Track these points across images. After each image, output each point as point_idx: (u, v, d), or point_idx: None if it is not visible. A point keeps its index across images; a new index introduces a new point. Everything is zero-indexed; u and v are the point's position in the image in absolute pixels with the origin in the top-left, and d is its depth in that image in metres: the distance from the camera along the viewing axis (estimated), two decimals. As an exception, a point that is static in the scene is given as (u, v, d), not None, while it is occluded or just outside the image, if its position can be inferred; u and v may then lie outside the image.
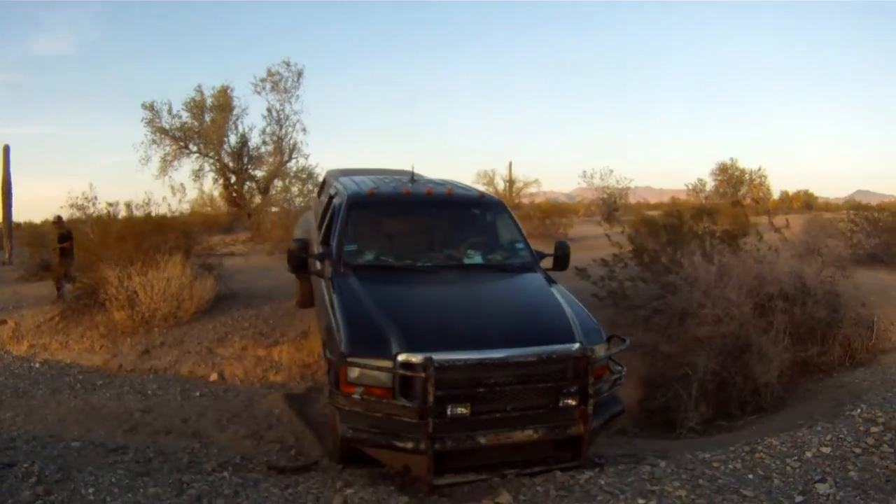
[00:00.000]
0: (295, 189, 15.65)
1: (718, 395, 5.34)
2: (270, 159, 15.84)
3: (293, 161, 16.03)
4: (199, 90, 15.18)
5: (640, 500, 3.15)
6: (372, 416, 3.27)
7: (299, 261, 4.36)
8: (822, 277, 5.99)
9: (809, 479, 3.31)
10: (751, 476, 3.41)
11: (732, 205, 20.10)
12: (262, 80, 15.31)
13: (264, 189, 15.78)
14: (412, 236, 4.76)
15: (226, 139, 15.21)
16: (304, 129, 15.68)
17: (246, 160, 15.89)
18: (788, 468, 3.48)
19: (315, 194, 7.58)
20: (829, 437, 3.78)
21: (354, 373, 3.28)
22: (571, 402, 3.42)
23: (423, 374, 3.11)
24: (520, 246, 4.74)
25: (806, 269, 6.06)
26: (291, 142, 15.83)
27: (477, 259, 4.57)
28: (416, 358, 3.20)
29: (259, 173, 16.00)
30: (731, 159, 26.11)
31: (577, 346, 3.46)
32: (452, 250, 4.65)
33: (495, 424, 3.29)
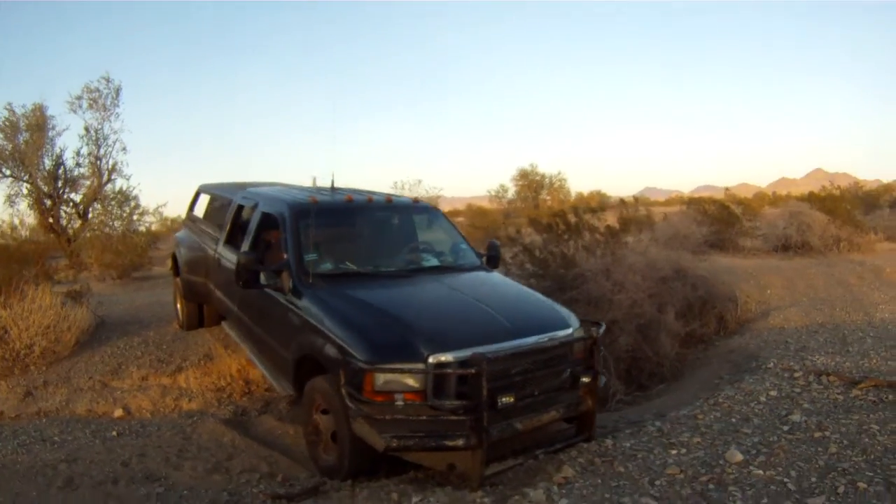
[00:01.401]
0: (116, 212, 15.17)
1: (631, 370, 6.19)
2: (87, 182, 15.32)
3: (112, 182, 15.38)
4: (10, 108, 14.48)
5: (672, 451, 3.57)
6: (413, 421, 3.29)
7: (252, 274, 4.28)
8: (690, 262, 7.43)
9: (780, 414, 4.10)
10: (734, 420, 4.08)
11: (535, 208, 22.58)
12: (78, 98, 14.64)
13: (83, 213, 15.31)
14: (362, 243, 4.95)
15: (40, 161, 14.65)
16: (124, 149, 15.33)
17: (61, 183, 15.33)
18: (756, 410, 4.25)
19: (187, 211, 7.55)
20: (768, 385, 4.72)
21: (381, 380, 3.30)
22: (585, 379, 3.79)
23: (472, 371, 3.21)
24: (464, 247, 5.15)
25: (678, 256, 7.47)
26: (111, 162, 15.27)
27: (434, 262, 4.87)
28: (449, 356, 3.30)
29: (76, 196, 15.49)
30: (531, 164, 28.60)
31: (578, 329, 3.89)
32: (407, 255, 4.96)
33: (527, 410, 3.53)
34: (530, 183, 28.09)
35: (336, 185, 5.49)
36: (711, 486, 3.09)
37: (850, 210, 13.22)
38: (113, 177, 15.19)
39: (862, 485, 2.99)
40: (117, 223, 14.78)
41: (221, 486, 3.68)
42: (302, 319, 3.96)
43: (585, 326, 4.07)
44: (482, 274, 4.82)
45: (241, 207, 5.67)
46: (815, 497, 2.91)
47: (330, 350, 3.58)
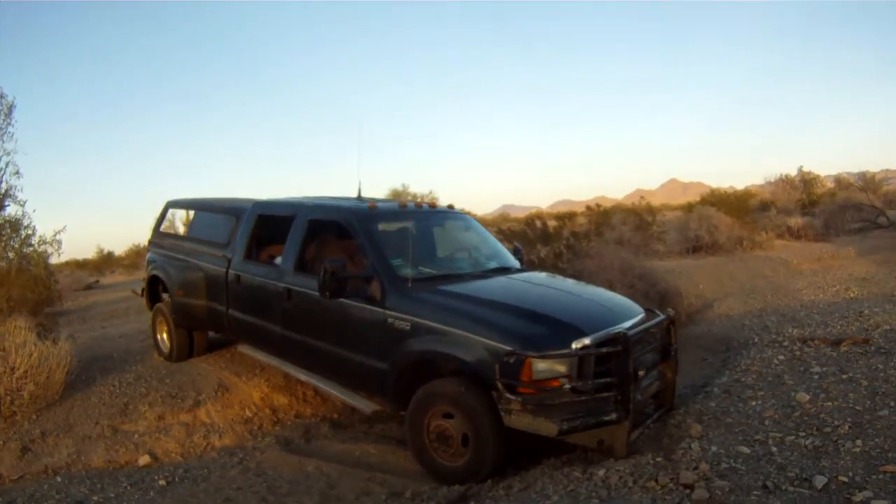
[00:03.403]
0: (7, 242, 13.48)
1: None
2: (-28, 210, 13.50)
3: (4, 209, 14.04)
4: None
5: (752, 403, 4.86)
6: (573, 403, 4.00)
7: (340, 284, 4.68)
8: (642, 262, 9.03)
9: (802, 370, 5.57)
10: (770, 378, 5.47)
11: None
12: (-38, 116, 13.02)
13: (-27, 243, 13.36)
14: (421, 248, 5.56)
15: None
16: (17, 172, 13.96)
17: (-58, 211, 13.41)
18: (780, 369, 5.69)
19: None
20: (770, 353, 6.22)
21: (540, 367, 3.96)
22: (670, 353, 4.90)
23: (619, 349, 4.05)
24: (503, 250, 6.14)
25: (633, 257, 9.03)
26: (3, 187, 14.05)
27: (493, 263, 5.73)
28: (587, 341, 4.11)
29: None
30: (403, 185, 29.86)
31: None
32: (464, 258, 5.80)
33: (642, 383, 4.46)
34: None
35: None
36: (805, 417, 4.40)
37: (748, 212, 16.18)
38: (6, 203, 14.08)
39: (894, 394, 4.47)
40: (11, 254, 13.86)
41: None
42: (412, 324, 4.44)
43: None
44: (539, 273, 5.82)
45: (263, 218, 6.05)
46: (881, 410, 4.32)
47: (468, 348, 4.14)
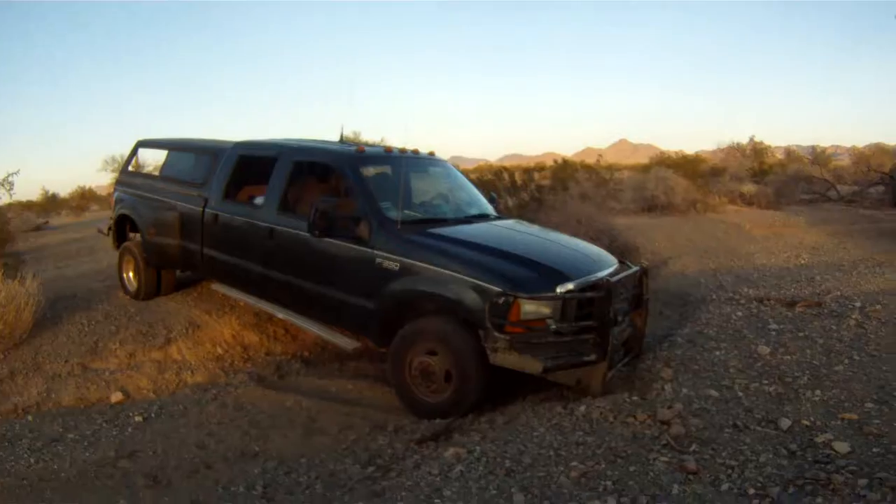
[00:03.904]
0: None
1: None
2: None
3: None
4: None
5: (716, 353, 5.21)
6: (556, 344, 4.31)
7: (329, 223, 4.87)
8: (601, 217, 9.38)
9: (759, 326, 5.99)
10: (731, 332, 5.87)
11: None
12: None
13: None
14: (408, 192, 5.76)
15: None
16: None
17: None
18: (739, 325, 6.09)
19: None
20: (728, 309, 6.63)
21: (527, 309, 4.24)
22: (642, 302, 5.21)
23: (601, 294, 4.34)
24: (482, 197, 6.37)
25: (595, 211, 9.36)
26: None
27: (475, 210, 5.98)
28: (571, 286, 4.44)
29: None
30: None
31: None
32: (447, 204, 6.00)
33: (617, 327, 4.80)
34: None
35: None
36: (767, 367, 4.78)
37: (701, 176, 16.74)
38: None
39: (857, 357, 4.90)
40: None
41: (334, 448, 4.22)
42: (401, 265, 4.67)
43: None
44: (517, 221, 6.12)
45: (244, 159, 6.13)
46: (837, 366, 4.74)
47: (458, 289, 4.40)
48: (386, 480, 3.45)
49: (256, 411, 4.76)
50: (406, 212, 5.24)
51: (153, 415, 4.77)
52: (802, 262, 10.03)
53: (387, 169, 5.74)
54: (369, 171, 5.39)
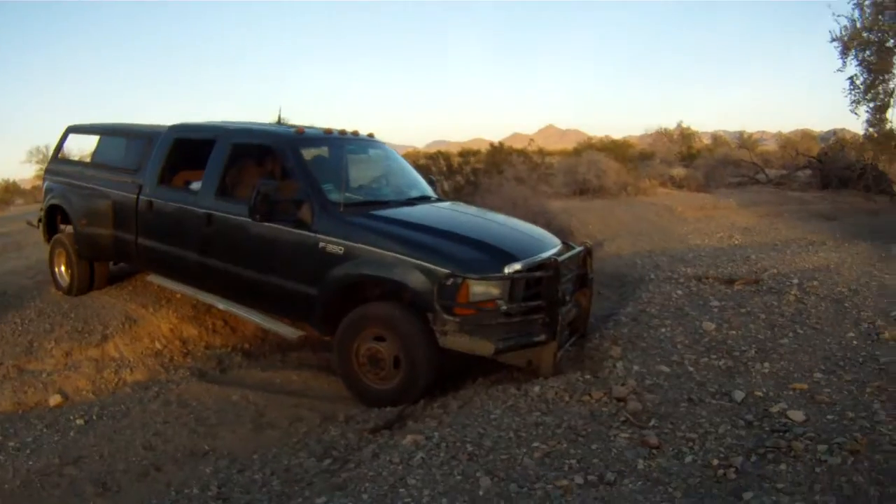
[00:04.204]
0: None
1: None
2: None
3: None
4: None
5: (662, 330, 5.31)
6: (507, 325, 4.28)
7: (271, 207, 4.74)
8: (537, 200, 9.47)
9: (701, 304, 6.13)
10: (672, 309, 5.99)
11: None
12: None
13: None
14: (346, 175, 5.62)
15: None
16: None
17: None
18: (681, 303, 6.23)
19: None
20: (668, 288, 6.76)
21: (477, 290, 4.22)
22: (587, 282, 5.26)
23: (549, 274, 4.34)
24: (422, 179, 6.31)
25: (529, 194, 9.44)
26: None
27: (415, 192, 5.91)
28: (518, 266, 4.42)
29: None
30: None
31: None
32: (387, 186, 5.96)
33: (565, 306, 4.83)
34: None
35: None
36: (713, 343, 4.88)
37: (631, 160, 17.16)
38: None
39: (800, 331, 5.08)
40: None
41: (285, 442, 4.09)
42: (346, 249, 4.55)
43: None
44: (458, 203, 6.11)
45: (180, 142, 5.92)
46: (782, 339, 4.89)
47: (406, 271, 4.31)
48: (345, 472, 3.31)
49: (202, 408, 4.57)
50: (347, 194, 5.12)
51: (95, 417, 4.52)
52: (736, 242, 10.41)
53: (327, 151, 5.62)
54: (310, 153, 5.27)
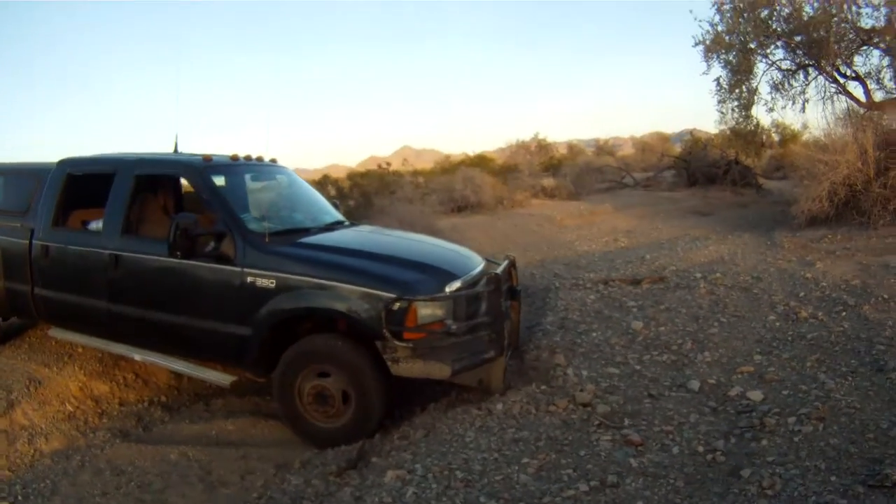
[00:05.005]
0: None
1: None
2: None
3: None
4: None
5: (593, 334, 5.66)
6: (456, 345, 4.35)
7: (190, 242, 4.56)
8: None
9: (618, 305, 6.59)
10: (593, 313, 6.38)
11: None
12: None
13: None
14: (257, 203, 5.59)
15: None
16: None
17: None
18: (598, 306, 6.65)
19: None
20: (580, 294, 7.17)
21: (424, 312, 4.26)
22: (516, 294, 5.54)
23: (490, 288, 4.49)
24: (329, 204, 6.37)
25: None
26: None
27: (330, 217, 5.92)
28: (458, 283, 4.54)
29: None
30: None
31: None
32: (298, 212, 5.88)
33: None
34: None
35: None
36: (648, 340, 5.27)
37: (501, 173, 17.95)
38: None
39: (724, 320, 5.60)
40: None
41: (244, 499, 3.93)
42: (277, 281, 4.45)
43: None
44: (376, 227, 6.16)
45: (73, 178, 5.62)
46: (711, 329, 5.37)
47: (347, 300, 4.28)
48: None
49: (140, 472, 4.27)
50: (263, 224, 5.00)
51: (20, 497, 4.09)
52: (622, 244, 11.19)
53: (238, 178, 5.51)
54: (221, 181, 5.12)
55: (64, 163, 5.71)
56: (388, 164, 19.68)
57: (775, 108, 13.74)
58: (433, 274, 4.57)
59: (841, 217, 9.19)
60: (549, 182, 18.62)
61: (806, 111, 13.35)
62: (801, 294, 6.02)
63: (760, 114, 14.05)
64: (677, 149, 22.60)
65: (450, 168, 20.63)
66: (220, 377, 4.82)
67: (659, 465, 3.32)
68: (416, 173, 19.33)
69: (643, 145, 25.67)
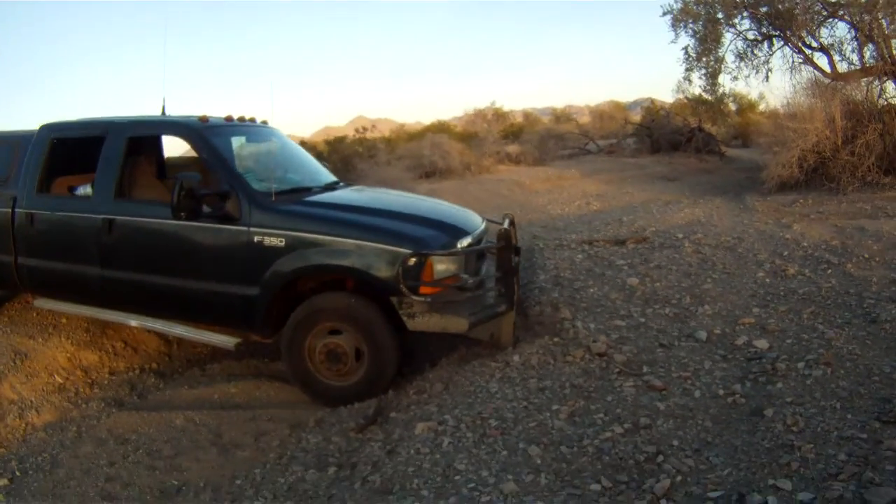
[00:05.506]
0: None
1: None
2: None
3: None
4: None
5: (590, 290, 5.85)
6: (470, 299, 4.51)
7: (195, 202, 4.54)
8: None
9: (607, 263, 6.80)
10: (585, 272, 6.59)
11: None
12: None
13: None
14: (255, 163, 5.66)
15: None
16: None
17: None
18: (587, 265, 6.87)
19: None
20: (568, 253, 7.36)
21: (440, 267, 4.42)
22: (516, 251, 5.70)
23: (501, 244, 4.57)
24: (321, 166, 6.46)
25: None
26: None
27: (325, 178, 5.99)
28: (468, 240, 4.75)
29: None
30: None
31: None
32: (296, 173, 5.95)
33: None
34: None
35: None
36: (647, 295, 5.50)
37: (465, 140, 18.05)
38: None
39: (716, 276, 5.86)
40: None
41: (263, 459, 3.93)
42: (288, 239, 4.48)
43: None
44: (372, 187, 6.23)
45: (59, 143, 5.55)
46: (705, 284, 5.63)
47: (362, 256, 4.35)
48: (374, 475, 3.31)
49: (147, 440, 4.23)
50: (264, 183, 4.99)
51: (18, 472, 4.00)
52: (595, 208, 11.47)
53: (235, 139, 5.49)
54: (221, 141, 5.10)
55: (48, 127, 5.61)
56: (365, 129, 19.57)
57: (739, 76, 14.15)
58: (445, 230, 4.71)
59: (810, 183, 9.63)
60: (514, 148, 18.78)
61: (769, 81, 13.76)
62: (785, 253, 6.33)
63: (725, 82, 14.35)
64: (635, 117, 23.02)
65: (415, 135, 20.64)
66: (224, 340, 4.83)
67: (685, 408, 3.53)
68: (385, 140, 19.28)
69: (600, 114, 26.08)
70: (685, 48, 14.45)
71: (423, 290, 4.31)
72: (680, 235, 7.40)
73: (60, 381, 5.21)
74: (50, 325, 5.83)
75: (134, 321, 5.13)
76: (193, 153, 5.23)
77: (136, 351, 5.80)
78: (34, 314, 5.89)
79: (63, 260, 5.31)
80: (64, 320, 5.81)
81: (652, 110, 20.52)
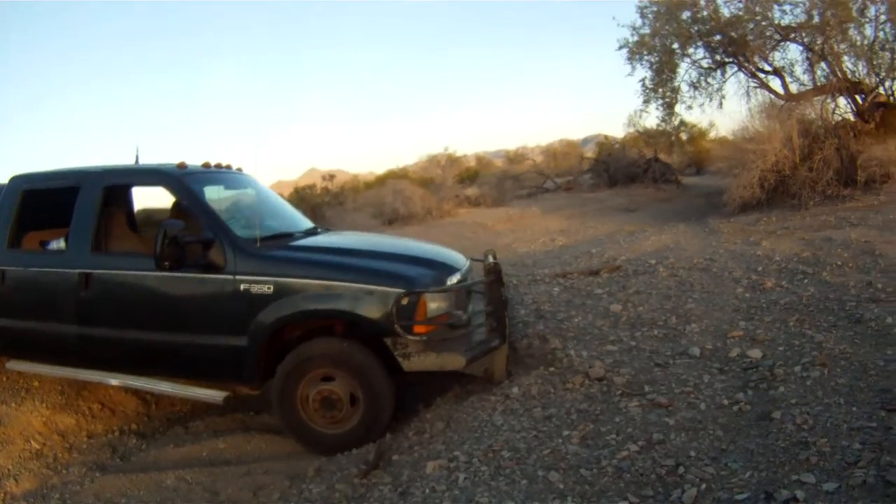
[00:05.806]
0: None
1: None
2: None
3: None
4: None
5: (575, 320, 5.94)
6: (465, 336, 4.59)
7: (179, 251, 4.47)
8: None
9: (586, 294, 6.91)
10: (564, 304, 6.69)
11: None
12: None
13: None
14: (242, 209, 5.67)
15: None
16: None
17: None
18: (566, 297, 6.97)
19: None
20: (543, 287, 7.48)
21: (433, 305, 4.44)
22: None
23: (492, 279, 4.72)
24: (298, 212, 6.51)
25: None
26: None
27: (303, 225, 6.03)
28: (457, 276, 4.82)
29: None
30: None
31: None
32: (271, 220, 5.85)
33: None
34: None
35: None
36: (632, 320, 5.59)
37: (424, 185, 18.34)
38: None
39: (696, 297, 6.00)
40: None
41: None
42: (276, 286, 4.45)
43: None
44: (351, 231, 6.29)
45: (30, 195, 5.44)
46: (688, 304, 5.75)
47: (354, 299, 4.35)
48: None
49: (137, 502, 4.10)
50: (247, 230, 4.97)
51: None
52: (561, 243, 11.64)
53: (214, 187, 5.48)
54: (201, 188, 5.08)
55: (19, 178, 5.47)
56: (332, 176, 19.77)
57: (693, 105, 14.70)
58: (435, 268, 4.76)
59: (772, 201, 9.99)
60: (472, 191, 19.10)
61: (723, 107, 14.31)
62: (759, 268, 6.52)
63: (681, 111, 14.88)
64: (589, 153, 23.58)
65: (372, 183, 20.86)
66: (212, 394, 4.74)
67: (694, 420, 3.59)
68: (350, 189, 19.49)
69: (553, 153, 26.73)
70: (642, 80, 14.99)
71: (417, 329, 4.31)
72: (653, 261, 7.56)
73: (37, 446, 5.02)
74: (22, 388, 5.63)
75: (115, 380, 4.99)
76: (164, 205, 5.21)
77: (114, 412, 5.63)
78: (5, 378, 5.69)
79: (37, 318, 5.15)
80: (36, 383, 5.62)
81: (606, 145, 21.12)
